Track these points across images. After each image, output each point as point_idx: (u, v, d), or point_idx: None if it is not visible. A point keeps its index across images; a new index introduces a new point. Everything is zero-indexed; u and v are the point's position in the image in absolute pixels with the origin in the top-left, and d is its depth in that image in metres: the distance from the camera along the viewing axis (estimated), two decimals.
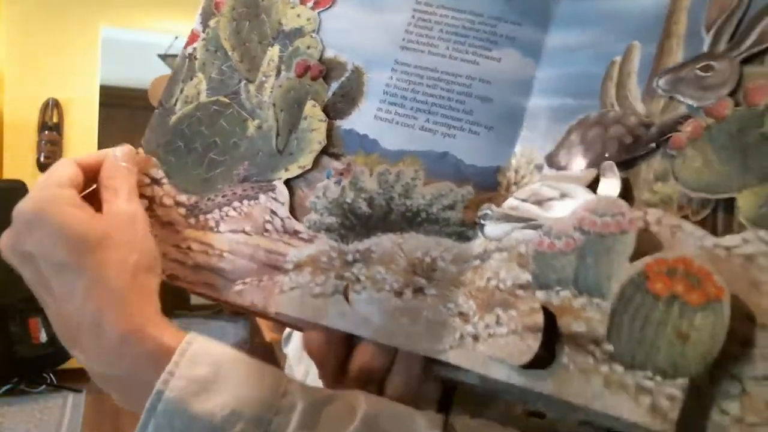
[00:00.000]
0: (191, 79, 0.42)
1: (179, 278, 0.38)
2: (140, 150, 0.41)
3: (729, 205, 0.27)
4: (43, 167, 3.39)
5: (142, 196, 0.39)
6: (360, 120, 0.38)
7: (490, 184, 0.35)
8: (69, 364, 3.41)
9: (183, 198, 0.39)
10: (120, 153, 0.38)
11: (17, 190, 3.24)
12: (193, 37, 0.44)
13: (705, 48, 0.31)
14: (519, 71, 0.37)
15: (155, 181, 0.40)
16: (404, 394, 0.33)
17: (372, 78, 0.39)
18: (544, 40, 0.38)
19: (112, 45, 3.54)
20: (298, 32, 0.41)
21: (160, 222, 0.39)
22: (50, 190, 0.33)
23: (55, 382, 3.25)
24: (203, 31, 0.43)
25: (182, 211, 0.39)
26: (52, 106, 3.40)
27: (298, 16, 0.41)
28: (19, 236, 0.32)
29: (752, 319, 0.25)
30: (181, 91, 0.42)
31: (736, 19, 0.31)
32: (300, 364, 0.52)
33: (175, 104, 0.42)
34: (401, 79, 0.38)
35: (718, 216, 0.27)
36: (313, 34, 0.41)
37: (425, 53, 0.38)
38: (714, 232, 0.27)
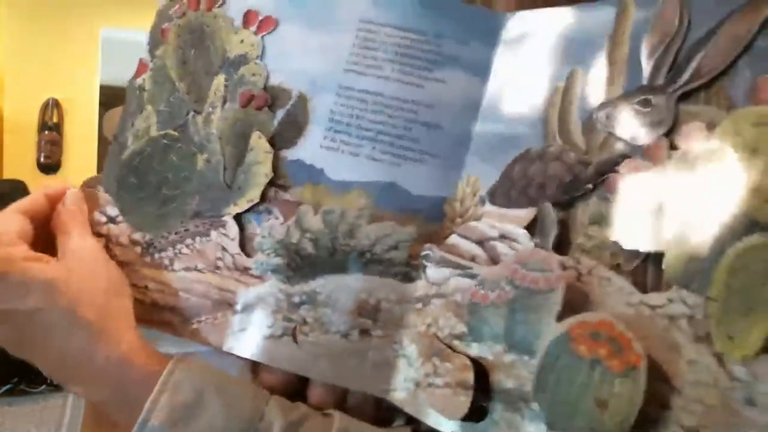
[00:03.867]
0: (141, 113, 0.42)
1: (138, 317, 0.38)
2: (100, 187, 0.41)
3: (659, 258, 0.27)
4: (43, 167, 3.47)
5: (98, 234, 0.40)
6: (306, 149, 0.37)
7: (437, 216, 0.35)
8: None
9: (138, 236, 0.39)
10: (68, 200, 0.39)
11: (17, 190, 3.25)
12: (141, 68, 0.43)
13: (644, 79, 0.30)
14: (465, 93, 0.36)
15: (111, 219, 0.40)
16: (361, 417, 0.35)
17: (317, 104, 0.38)
18: (491, 58, 0.36)
19: (112, 45, 3.57)
20: (243, 59, 0.40)
21: (118, 261, 0.39)
22: (2, 251, 0.34)
23: (55, 382, 3.36)
24: (151, 61, 0.42)
25: (138, 249, 0.39)
26: (52, 106, 3.45)
27: (242, 41, 0.40)
28: None
29: (669, 382, 0.25)
30: (132, 125, 0.42)
31: (675, 48, 0.29)
32: None
33: (127, 140, 0.41)
34: (346, 105, 0.37)
35: (648, 269, 0.27)
36: (257, 61, 0.39)
37: (370, 76, 0.37)
38: (644, 284, 0.27)
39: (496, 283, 0.29)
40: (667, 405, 0.24)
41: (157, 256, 0.39)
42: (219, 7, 0.41)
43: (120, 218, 0.40)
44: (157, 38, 0.43)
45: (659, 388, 0.25)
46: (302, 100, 0.38)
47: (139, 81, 0.42)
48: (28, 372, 3.34)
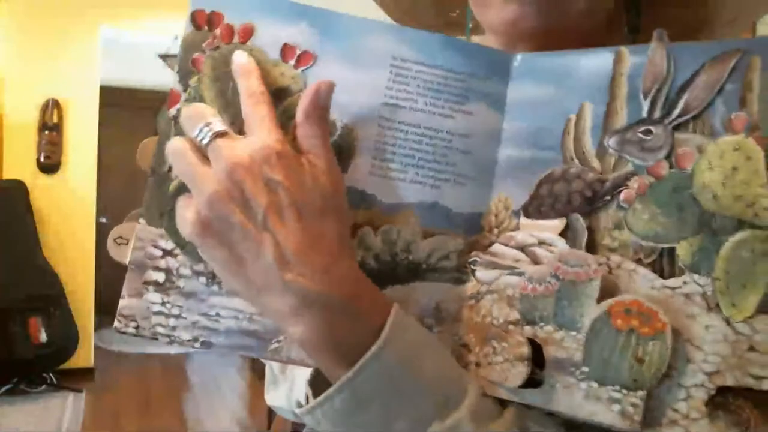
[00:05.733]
0: None
1: (213, 344, 0.42)
2: (141, 220, 0.43)
3: (671, 251, 0.36)
4: (43, 167, 3.53)
5: (157, 268, 0.43)
6: (356, 177, 0.42)
7: (476, 228, 0.42)
8: (69, 364, 3.54)
9: (200, 267, 0.42)
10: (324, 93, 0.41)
11: (17, 190, 3.42)
12: (174, 98, 0.43)
13: (644, 113, 0.39)
14: (489, 124, 0.43)
15: (168, 253, 0.43)
16: None
17: (361, 134, 0.43)
18: (506, 93, 0.43)
19: (112, 45, 3.65)
20: (285, 92, 0.43)
21: (183, 293, 0.42)
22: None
23: (55, 382, 3.36)
24: (184, 91, 0.43)
25: (203, 279, 0.42)
26: (52, 106, 3.52)
27: (282, 74, 0.43)
28: (271, 163, 0.37)
29: (692, 342, 0.34)
30: None
31: (666, 89, 0.39)
32: (284, 373, 0.57)
33: (169, 170, 0.43)
34: (388, 136, 0.43)
35: (664, 260, 0.36)
36: (300, 94, 0.43)
37: (407, 109, 0.43)
38: (661, 273, 0.36)
39: (543, 278, 0.38)
40: (692, 359, 0.34)
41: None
42: (253, 40, 0.43)
43: (177, 251, 0.43)
44: (187, 68, 0.44)
45: (685, 347, 0.34)
46: (348, 130, 0.43)
47: (173, 111, 0.43)
48: (28, 372, 3.23)
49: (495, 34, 0.52)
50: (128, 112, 4.82)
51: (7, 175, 3.46)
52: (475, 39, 0.58)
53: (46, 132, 3.45)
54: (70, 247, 3.57)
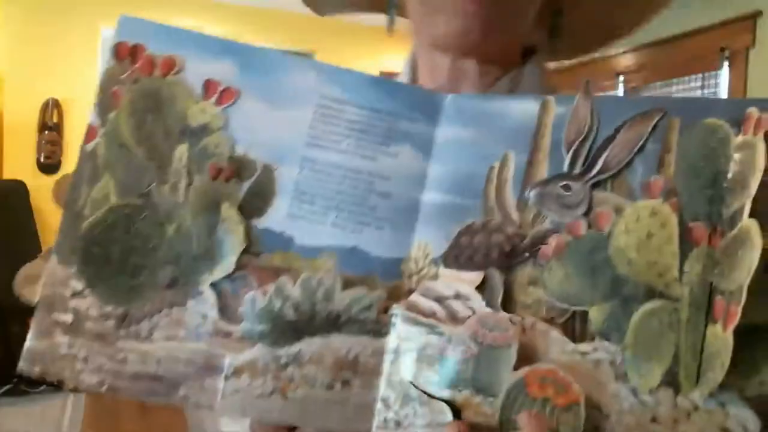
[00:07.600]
0: (98, 181, 0.44)
1: (120, 389, 0.42)
2: (53, 257, 0.43)
3: (584, 314, 0.37)
4: (43, 167, 3.62)
5: (66, 310, 0.42)
6: (274, 218, 0.43)
7: (395, 274, 0.43)
8: None
9: (109, 309, 0.42)
10: None
11: (17, 190, 3.48)
12: (91, 133, 0.43)
13: (565, 167, 0.40)
14: (413, 167, 0.43)
15: (77, 294, 0.43)
16: None
17: (282, 175, 0.43)
18: (434, 135, 0.44)
19: None
20: (205, 129, 0.43)
21: (91, 335, 0.42)
22: None
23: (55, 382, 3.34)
24: (102, 126, 0.43)
25: (111, 322, 0.42)
26: (52, 106, 3.62)
27: (203, 111, 0.43)
28: None
29: (599, 409, 0.36)
30: (89, 195, 0.44)
31: (588, 144, 0.40)
32: None
33: (83, 208, 0.43)
34: (309, 177, 0.43)
35: (576, 322, 0.38)
36: (221, 132, 0.43)
37: (330, 150, 0.43)
38: (573, 335, 0.38)
39: (462, 340, 0.39)
40: (599, 427, 0.35)
41: (133, 327, 0.43)
42: (175, 74, 0.44)
43: (87, 291, 0.43)
44: (106, 102, 0.44)
45: (593, 414, 0.35)
46: (268, 170, 0.43)
47: (90, 146, 0.43)
48: None
49: (439, 47, 0.53)
50: None
51: (7, 175, 3.56)
52: (422, 53, 0.58)
53: (46, 132, 3.58)
54: None
